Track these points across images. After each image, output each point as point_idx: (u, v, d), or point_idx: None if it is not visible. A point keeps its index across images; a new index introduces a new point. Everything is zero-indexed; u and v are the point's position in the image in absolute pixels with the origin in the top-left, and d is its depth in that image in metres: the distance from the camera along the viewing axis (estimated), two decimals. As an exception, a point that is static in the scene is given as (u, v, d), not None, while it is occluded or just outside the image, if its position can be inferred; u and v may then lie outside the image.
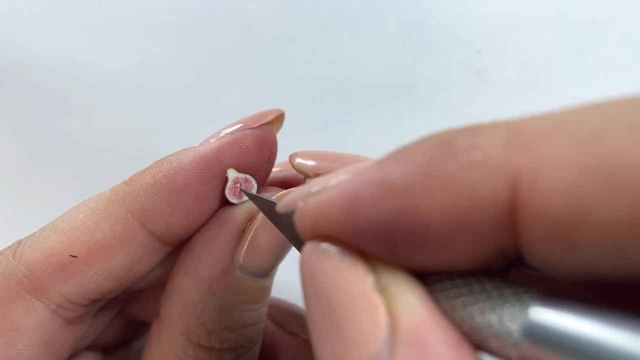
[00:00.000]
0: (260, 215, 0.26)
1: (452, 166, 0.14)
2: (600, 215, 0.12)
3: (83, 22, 0.51)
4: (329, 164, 0.26)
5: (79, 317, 0.26)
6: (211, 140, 0.26)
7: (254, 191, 0.26)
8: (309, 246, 0.16)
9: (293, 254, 0.27)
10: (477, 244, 0.14)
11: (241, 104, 0.47)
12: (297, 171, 0.27)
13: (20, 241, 0.25)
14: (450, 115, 0.45)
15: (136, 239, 0.25)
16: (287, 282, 0.33)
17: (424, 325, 0.14)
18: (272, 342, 0.32)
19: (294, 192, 0.18)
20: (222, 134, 0.26)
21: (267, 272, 0.27)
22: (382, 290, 0.15)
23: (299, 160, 0.27)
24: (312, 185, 0.17)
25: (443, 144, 0.15)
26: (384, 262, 0.15)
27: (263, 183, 0.28)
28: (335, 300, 0.15)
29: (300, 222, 0.17)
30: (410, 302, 0.14)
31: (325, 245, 0.16)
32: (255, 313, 0.27)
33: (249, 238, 0.25)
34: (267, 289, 0.28)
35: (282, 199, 0.19)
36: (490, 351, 0.14)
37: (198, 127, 0.47)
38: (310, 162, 0.26)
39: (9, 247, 0.25)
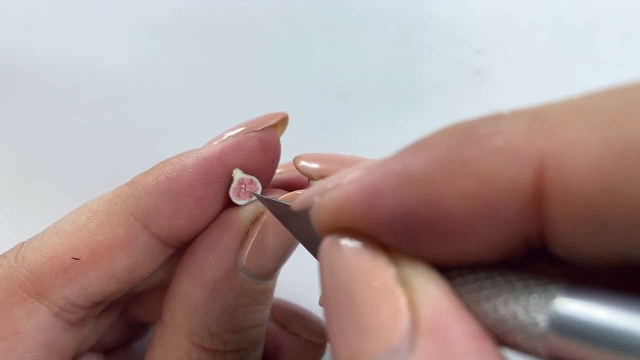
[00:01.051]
0: (264, 217, 0.26)
1: (475, 152, 0.14)
2: (628, 192, 0.12)
3: (83, 22, 0.51)
4: (333, 166, 0.26)
5: (81, 320, 0.26)
6: (214, 143, 0.26)
7: (259, 193, 0.26)
8: (327, 240, 0.16)
9: (296, 256, 0.28)
10: (501, 232, 0.14)
11: (241, 104, 0.47)
12: (302, 173, 0.27)
13: (22, 244, 0.25)
14: (450, 115, 0.45)
15: (138, 241, 0.25)
16: (289, 284, 0.33)
17: (445, 318, 0.14)
18: (274, 343, 0.32)
19: (309, 190, 0.18)
20: (225, 137, 0.26)
21: (271, 274, 0.27)
22: (404, 282, 0.14)
23: (303, 162, 0.27)
24: (328, 182, 0.17)
25: (464, 132, 0.14)
26: (405, 254, 0.15)
27: (266, 186, 0.28)
28: (356, 293, 0.15)
29: (318, 217, 0.17)
30: (432, 294, 0.14)
31: (345, 239, 0.16)
32: (259, 315, 0.27)
33: (253, 240, 0.25)
34: (270, 291, 0.27)
35: (296, 197, 0.19)
36: (515, 345, 0.14)
37: (198, 127, 0.47)
38: (315, 165, 0.26)
39: (11, 249, 0.25)
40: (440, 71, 0.47)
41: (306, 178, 0.27)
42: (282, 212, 0.22)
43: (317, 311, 0.34)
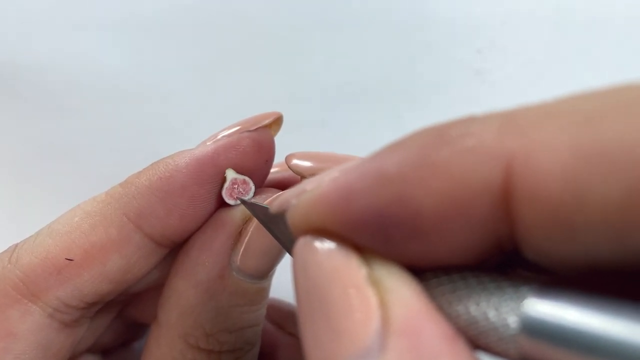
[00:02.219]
0: None
1: (446, 153, 0.14)
2: (596, 197, 0.12)
3: (83, 22, 0.51)
4: (325, 164, 0.26)
5: (75, 321, 0.26)
6: (208, 143, 0.26)
7: (252, 193, 0.26)
8: (301, 241, 0.16)
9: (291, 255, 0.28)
10: (472, 233, 0.14)
11: (240, 104, 0.47)
12: (294, 172, 0.27)
13: (16, 245, 0.25)
14: (450, 115, 0.44)
15: (132, 242, 0.25)
16: (285, 283, 0.33)
17: (417, 318, 0.14)
18: (271, 342, 0.32)
19: (287, 192, 0.18)
20: (218, 137, 0.26)
21: (265, 274, 0.27)
22: (375, 282, 0.14)
23: (295, 161, 0.27)
24: (305, 184, 0.17)
25: (437, 133, 0.14)
26: (378, 255, 0.15)
27: (260, 185, 0.28)
28: (328, 294, 0.15)
29: (294, 218, 0.17)
30: (404, 294, 0.14)
31: (318, 240, 0.16)
32: (254, 315, 0.27)
33: (246, 240, 0.25)
34: (265, 290, 0.27)
35: (275, 200, 0.19)
36: (487, 347, 0.14)
37: (198, 127, 0.47)
38: (307, 163, 0.26)
39: (5, 251, 0.25)
40: (440, 71, 0.47)
41: (299, 177, 0.27)
42: (265, 216, 0.22)
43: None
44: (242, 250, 0.25)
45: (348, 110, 0.47)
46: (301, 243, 0.16)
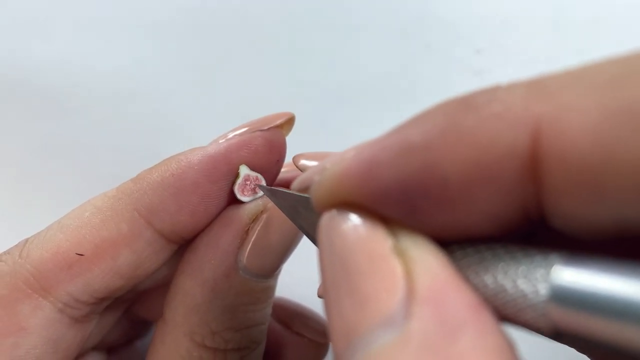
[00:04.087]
0: (264, 216, 0.26)
1: (473, 119, 0.14)
2: (625, 156, 0.12)
3: (83, 22, 0.51)
4: None
5: (85, 316, 0.26)
6: (220, 141, 0.26)
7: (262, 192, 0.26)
8: (326, 216, 0.16)
9: (297, 254, 0.28)
10: (499, 200, 0.14)
11: (241, 103, 0.47)
12: (301, 171, 0.27)
13: (27, 240, 0.25)
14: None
15: (142, 237, 0.25)
16: (291, 282, 0.33)
17: (443, 287, 0.14)
18: (277, 341, 0.32)
19: (308, 171, 0.18)
20: (230, 135, 0.26)
21: (271, 272, 0.27)
22: (401, 253, 0.15)
23: (303, 161, 0.27)
24: (327, 161, 0.17)
25: (462, 102, 0.15)
26: (403, 226, 0.15)
27: (271, 184, 0.28)
28: (353, 264, 0.15)
29: (317, 193, 0.17)
30: (429, 264, 0.14)
31: (343, 213, 0.16)
32: (260, 313, 0.27)
33: (253, 239, 0.25)
34: (271, 289, 0.28)
35: (296, 179, 0.19)
36: (515, 318, 0.14)
37: (198, 126, 0.47)
38: (314, 164, 0.26)
39: (15, 246, 0.25)
40: (440, 71, 0.47)
41: None
42: (287, 203, 0.22)
43: (320, 310, 0.34)
44: (248, 248, 0.25)
45: (348, 110, 0.47)
46: (326, 217, 0.16)
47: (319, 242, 0.16)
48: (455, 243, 0.15)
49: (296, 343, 0.32)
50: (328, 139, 0.46)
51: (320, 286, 0.22)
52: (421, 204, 0.15)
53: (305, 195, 0.20)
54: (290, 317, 0.32)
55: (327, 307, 0.15)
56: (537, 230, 0.15)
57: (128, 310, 0.31)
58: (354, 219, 0.16)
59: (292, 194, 0.22)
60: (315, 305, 0.34)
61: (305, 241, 0.28)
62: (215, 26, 0.50)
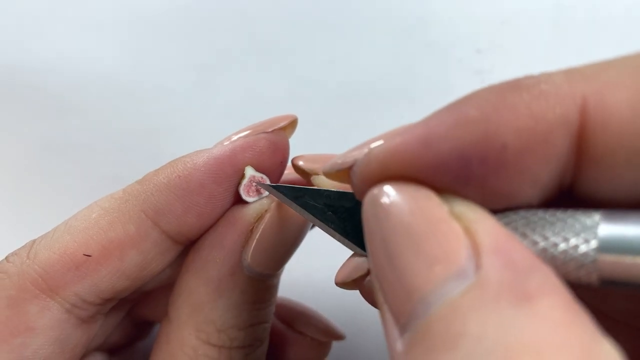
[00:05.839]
0: (268, 215, 0.26)
1: (526, 95, 0.16)
2: None
3: (83, 22, 0.51)
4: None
5: (92, 317, 0.26)
6: (225, 143, 0.26)
7: (267, 192, 0.26)
8: (376, 189, 0.17)
9: (300, 253, 0.28)
10: (546, 165, 0.16)
11: (241, 103, 0.47)
12: (304, 170, 0.27)
13: (34, 241, 0.25)
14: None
15: (149, 238, 0.25)
16: (294, 282, 0.33)
17: (504, 241, 0.15)
18: (280, 340, 0.32)
19: (341, 154, 0.20)
20: (235, 138, 0.26)
21: (275, 271, 0.27)
22: (458, 216, 0.16)
23: (302, 162, 0.27)
24: (365, 144, 0.19)
25: (510, 84, 0.16)
26: (454, 195, 0.17)
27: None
28: (415, 229, 0.16)
29: (367, 168, 0.18)
30: (487, 223, 0.15)
31: (397, 184, 0.17)
32: (263, 312, 0.27)
33: (257, 238, 0.26)
34: (275, 288, 0.28)
35: (326, 162, 0.20)
36: (562, 271, 0.15)
37: (198, 127, 0.47)
38: (317, 165, 0.27)
39: (23, 247, 0.25)
40: (440, 71, 0.47)
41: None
42: (294, 196, 0.23)
43: (322, 310, 0.34)
44: (253, 247, 0.26)
45: (348, 110, 0.47)
46: (376, 191, 0.17)
47: (368, 217, 0.17)
48: (499, 211, 0.17)
49: (298, 342, 0.32)
50: (328, 139, 0.46)
51: (339, 273, 0.23)
52: (478, 170, 0.16)
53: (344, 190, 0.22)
54: (293, 316, 0.33)
55: (382, 275, 0.16)
56: (558, 201, 0.17)
57: (131, 311, 0.31)
58: (410, 189, 0.17)
59: (297, 187, 0.23)
60: (316, 305, 0.34)
61: (306, 241, 0.28)
62: (215, 26, 0.50)
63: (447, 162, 0.16)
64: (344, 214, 0.22)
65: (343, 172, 0.20)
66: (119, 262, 0.24)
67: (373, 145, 0.18)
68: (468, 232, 0.15)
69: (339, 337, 0.33)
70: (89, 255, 0.24)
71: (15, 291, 0.24)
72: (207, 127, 0.47)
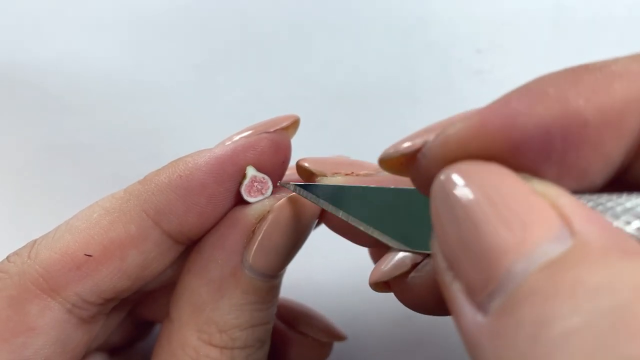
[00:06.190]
0: (270, 216, 0.26)
1: (600, 75, 0.16)
2: None
3: (83, 22, 0.51)
4: (337, 169, 0.27)
5: (93, 317, 0.26)
6: (227, 143, 0.26)
7: (269, 192, 0.26)
8: (454, 167, 0.17)
9: (301, 253, 0.28)
10: (622, 143, 0.17)
11: (241, 104, 0.47)
12: (311, 172, 0.27)
13: (35, 241, 0.25)
14: (450, 115, 0.45)
15: (150, 238, 0.25)
16: (296, 282, 0.33)
17: (591, 213, 0.15)
18: (282, 341, 0.32)
19: (403, 139, 0.20)
20: (236, 138, 0.26)
21: (277, 272, 0.27)
22: (540, 193, 0.16)
23: (307, 164, 0.27)
24: (432, 129, 0.19)
25: (579, 67, 0.17)
26: (532, 174, 0.17)
27: (275, 185, 0.28)
28: (503, 199, 0.16)
29: (443, 148, 0.18)
30: (570, 198, 0.16)
31: (478, 162, 0.17)
32: (265, 312, 0.27)
33: (259, 238, 0.26)
34: (277, 289, 0.28)
35: (391, 146, 0.20)
36: None
37: (198, 127, 0.47)
38: (322, 167, 0.27)
39: (24, 247, 0.25)
40: (440, 71, 0.47)
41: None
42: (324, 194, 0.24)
43: (323, 310, 0.34)
44: (254, 248, 0.26)
45: (348, 110, 0.47)
46: (455, 168, 0.17)
47: (445, 194, 0.17)
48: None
49: (300, 342, 0.32)
50: (328, 139, 0.46)
51: (373, 273, 0.23)
52: (560, 146, 0.16)
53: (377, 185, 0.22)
54: (294, 317, 0.33)
55: (457, 251, 0.16)
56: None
57: (132, 311, 0.31)
58: (491, 166, 0.17)
59: (323, 185, 0.24)
60: (318, 306, 0.34)
61: (308, 242, 0.28)
62: (215, 26, 0.50)
63: (531, 139, 0.16)
64: (384, 211, 0.22)
65: (399, 160, 0.20)
66: (120, 262, 0.24)
67: (453, 124, 0.18)
68: (554, 206, 0.15)
69: (340, 337, 0.33)
70: (90, 255, 0.24)
71: (16, 291, 0.24)
72: (208, 127, 0.47)
